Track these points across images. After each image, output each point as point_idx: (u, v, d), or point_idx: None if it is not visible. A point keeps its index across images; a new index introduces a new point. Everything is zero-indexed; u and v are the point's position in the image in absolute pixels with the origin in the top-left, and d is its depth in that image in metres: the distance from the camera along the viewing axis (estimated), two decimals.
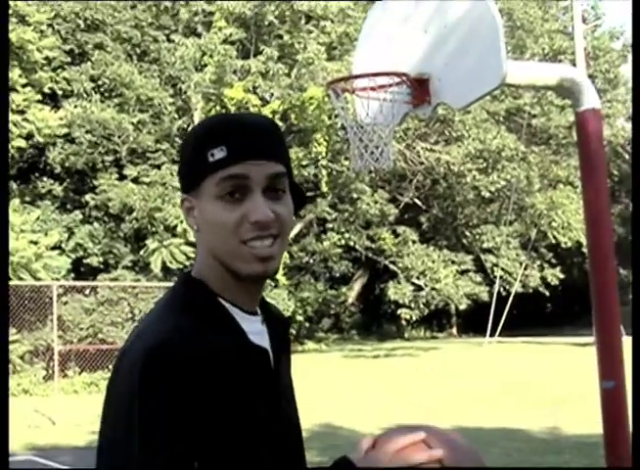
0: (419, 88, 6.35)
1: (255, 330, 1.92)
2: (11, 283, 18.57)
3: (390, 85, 6.36)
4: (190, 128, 2.38)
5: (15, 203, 24.52)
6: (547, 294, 35.55)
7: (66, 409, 17.27)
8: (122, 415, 1.76)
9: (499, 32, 6.10)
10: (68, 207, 28.17)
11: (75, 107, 27.13)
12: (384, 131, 6.58)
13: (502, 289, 33.83)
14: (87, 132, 27.11)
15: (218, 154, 1.84)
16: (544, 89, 8.37)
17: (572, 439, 12.11)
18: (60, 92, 27.81)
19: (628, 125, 42.00)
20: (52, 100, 27.57)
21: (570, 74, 6.71)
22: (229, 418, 1.75)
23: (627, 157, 44.06)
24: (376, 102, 6.48)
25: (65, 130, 26.83)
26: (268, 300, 2.12)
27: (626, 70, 40.21)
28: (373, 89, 6.39)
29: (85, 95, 27.66)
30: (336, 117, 25.95)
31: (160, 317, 1.84)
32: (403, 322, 35.51)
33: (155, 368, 1.71)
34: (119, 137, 27.55)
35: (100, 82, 28.08)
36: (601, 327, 6.79)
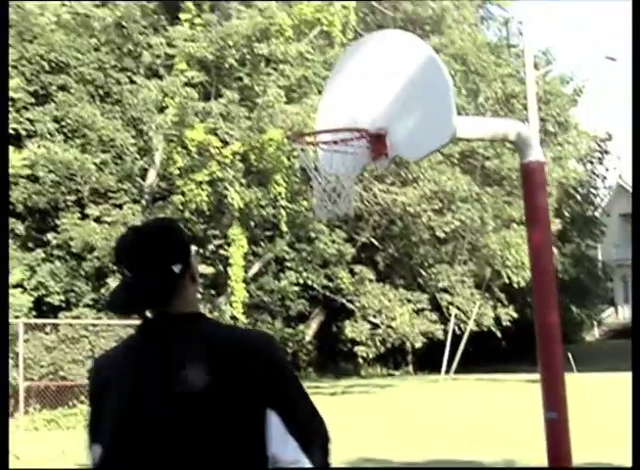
0: (377, 142, 6.93)
1: None
2: None
3: (351, 139, 6.94)
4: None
5: None
6: (500, 332, 36.15)
7: (28, 445, 17.49)
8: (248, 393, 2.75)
9: (450, 92, 6.70)
10: (31, 245, 28.34)
11: (39, 147, 27.44)
12: (345, 182, 7.14)
13: (457, 327, 34.42)
14: (50, 172, 27.37)
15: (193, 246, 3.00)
16: (492, 141, 9.00)
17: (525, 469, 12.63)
18: (23, 132, 28.11)
19: (579, 167, 43.04)
20: (16, 140, 27.86)
21: (516, 129, 7.32)
22: None
23: (579, 198, 45.03)
24: (338, 154, 7.04)
25: (28, 170, 27.11)
26: None
27: (576, 114, 41.26)
28: (335, 142, 6.97)
29: (49, 135, 27.98)
30: (294, 157, 26.51)
31: (229, 326, 3.09)
32: (360, 360, 35.95)
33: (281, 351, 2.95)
34: (82, 177, 27.85)
35: (63, 123, 28.39)
36: (544, 363, 7.36)
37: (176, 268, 2.82)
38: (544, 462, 7.31)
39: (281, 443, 2.76)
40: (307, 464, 2.76)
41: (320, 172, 7.32)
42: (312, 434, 2.85)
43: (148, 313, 2.87)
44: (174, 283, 2.82)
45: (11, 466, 15.57)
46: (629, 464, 12.58)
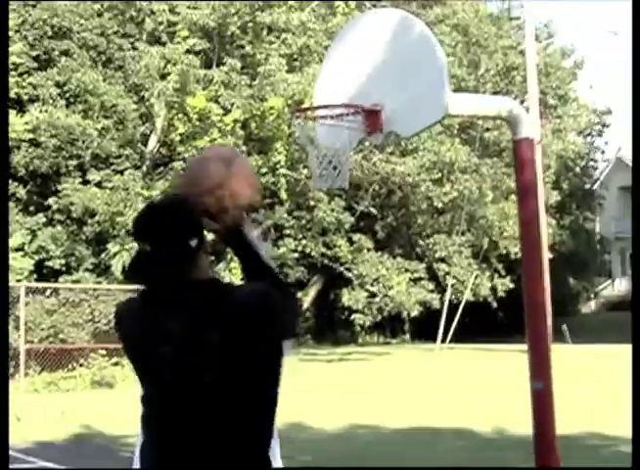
0: (372, 118, 7.14)
1: None
2: None
3: (347, 114, 7.15)
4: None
5: None
6: (497, 302, 36.41)
7: (28, 407, 17.77)
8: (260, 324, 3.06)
9: (443, 70, 6.90)
10: (32, 209, 28.55)
11: (41, 112, 27.59)
12: (341, 155, 7.36)
13: (453, 297, 34.66)
14: (52, 137, 27.54)
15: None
16: (485, 119, 9.21)
17: (513, 437, 12.91)
18: (26, 97, 28.24)
19: (579, 139, 43.10)
20: (18, 105, 28.00)
21: (508, 106, 7.52)
22: None
23: (578, 170, 45.15)
24: (334, 129, 7.25)
25: (30, 135, 27.29)
26: None
27: (577, 87, 41.34)
28: (332, 117, 7.18)
29: (51, 100, 28.11)
30: (294, 125, 26.64)
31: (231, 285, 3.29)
32: (357, 328, 36.25)
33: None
34: (84, 142, 28.03)
35: (65, 88, 28.53)
36: (531, 334, 7.61)
37: (192, 242, 3.19)
38: (530, 430, 7.57)
39: None
40: None
41: (317, 145, 7.54)
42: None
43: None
44: (192, 256, 3.18)
45: (13, 428, 15.90)
46: (619, 433, 12.92)
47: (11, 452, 13.26)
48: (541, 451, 7.54)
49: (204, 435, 3.02)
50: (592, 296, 55.80)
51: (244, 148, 29.44)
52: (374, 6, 32.90)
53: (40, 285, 24.91)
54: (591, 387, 20.01)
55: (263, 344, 3.08)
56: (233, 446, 3.03)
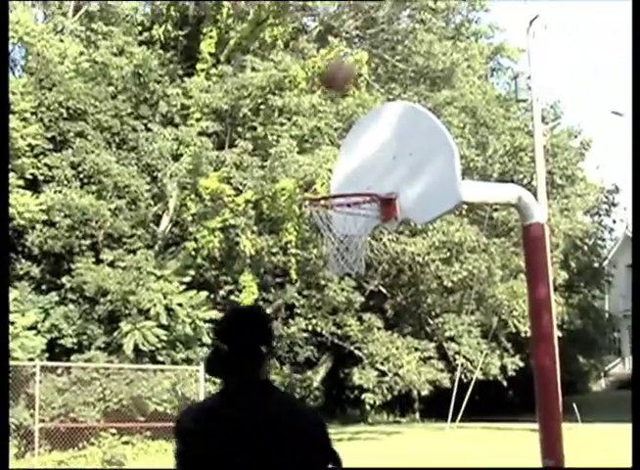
0: (387, 206, 7.43)
1: None
2: None
3: (363, 203, 7.43)
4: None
5: None
6: (507, 381, 36.35)
7: None
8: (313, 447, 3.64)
9: (455, 160, 7.20)
10: (45, 288, 28.71)
11: (55, 192, 27.92)
12: (357, 242, 7.62)
13: (463, 376, 34.62)
14: (66, 217, 27.82)
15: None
16: (496, 205, 9.48)
17: None
18: (41, 178, 28.61)
19: (586, 219, 43.40)
20: (33, 185, 28.36)
21: (517, 193, 7.82)
22: None
23: (586, 249, 45.33)
24: (350, 216, 7.53)
25: (44, 215, 27.60)
26: None
27: (584, 166, 41.70)
28: (348, 205, 7.46)
29: (65, 181, 28.47)
30: (305, 206, 26.97)
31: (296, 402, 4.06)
32: (367, 407, 36.20)
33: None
34: (97, 222, 28.30)
35: (80, 169, 28.89)
36: (542, 414, 7.79)
37: (264, 349, 3.71)
38: None
39: None
40: None
41: (333, 233, 7.80)
42: None
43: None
44: (261, 360, 3.71)
45: None
46: None
47: None
48: None
49: None
50: (602, 374, 55.60)
51: (255, 228, 29.76)
52: (382, 88, 33.54)
53: (54, 364, 25.01)
54: (601, 465, 19.96)
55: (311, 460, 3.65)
56: None
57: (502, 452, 23.66)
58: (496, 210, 34.72)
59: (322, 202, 7.78)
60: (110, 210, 28.53)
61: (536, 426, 7.65)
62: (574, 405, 31.30)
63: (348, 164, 7.88)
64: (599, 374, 55.11)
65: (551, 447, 7.69)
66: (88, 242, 28.85)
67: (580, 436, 26.56)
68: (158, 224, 31.10)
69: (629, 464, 18.58)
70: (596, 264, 49.40)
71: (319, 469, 3.69)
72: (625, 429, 28.34)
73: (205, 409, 3.78)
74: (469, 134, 33.07)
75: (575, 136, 41.20)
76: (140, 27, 33.30)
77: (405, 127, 7.48)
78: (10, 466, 21.89)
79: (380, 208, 7.40)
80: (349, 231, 7.57)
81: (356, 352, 34.25)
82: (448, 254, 32.99)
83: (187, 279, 29.56)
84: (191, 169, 28.96)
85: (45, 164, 28.67)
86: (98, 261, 28.45)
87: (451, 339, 35.60)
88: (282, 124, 30.28)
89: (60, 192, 27.96)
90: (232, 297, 31.19)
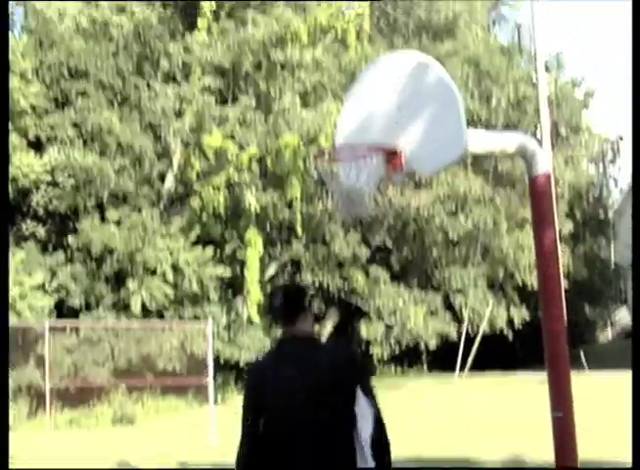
0: (392, 158, 7.38)
1: None
2: None
3: (368, 155, 7.38)
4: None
5: None
6: (513, 333, 36.41)
7: (51, 444, 17.95)
8: (346, 384, 4.76)
9: (460, 110, 7.14)
10: (51, 248, 28.79)
11: (59, 152, 27.88)
12: (363, 191, 7.59)
13: (470, 328, 34.72)
14: (70, 177, 27.82)
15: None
16: (502, 155, 9.43)
17: (532, 465, 13.02)
18: (44, 138, 28.55)
19: (591, 168, 43.21)
20: (36, 146, 28.31)
21: (523, 143, 7.75)
22: None
23: (591, 199, 45.18)
24: (355, 169, 7.49)
25: (48, 175, 27.58)
26: None
27: (588, 116, 41.47)
28: (353, 158, 7.42)
29: (68, 141, 28.41)
30: (312, 161, 26.87)
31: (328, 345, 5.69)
32: (374, 360, 36.25)
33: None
34: (101, 181, 28.29)
35: (82, 128, 28.84)
36: (550, 364, 7.78)
37: (308, 311, 5.06)
38: (552, 459, 7.72)
39: (364, 420, 4.77)
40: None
41: (339, 184, 7.77)
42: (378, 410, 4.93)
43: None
44: (300, 317, 4.98)
45: (34, 463, 16.08)
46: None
47: None
48: None
49: (317, 422, 4.73)
50: (608, 324, 55.66)
51: (259, 184, 29.71)
52: (385, 41, 33.32)
53: (62, 323, 25.09)
54: (608, 414, 20.08)
55: (347, 387, 4.77)
56: (329, 457, 4.70)
57: (510, 404, 23.77)
58: (501, 161, 34.59)
59: (327, 155, 7.73)
60: (114, 168, 28.49)
61: (544, 378, 7.66)
62: (582, 355, 31.40)
63: (352, 117, 7.82)
64: (606, 324, 55.16)
65: (560, 399, 7.68)
66: (93, 201, 28.86)
67: (588, 385, 26.65)
68: (162, 182, 31.07)
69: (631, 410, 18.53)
70: (601, 214, 49.22)
71: (350, 389, 4.76)
72: (629, 377, 28.34)
73: (269, 360, 5.01)
74: (472, 86, 32.88)
75: (579, 86, 40.91)
76: None
77: (409, 77, 7.41)
78: (22, 426, 22.07)
79: (385, 160, 7.36)
80: (355, 184, 7.53)
81: (363, 305, 34.29)
82: (453, 206, 32.94)
83: (193, 236, 29.60)
84: (194, 127, 28.88)
85: (48, 124, 28.60)
86: (103, 220, 28.48)
87: (458, 291, 35.61)
88: (284, 80, 30.14)
89: (63, 152, 27.90)
90: (237, 253, 31.19)
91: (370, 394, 4.86)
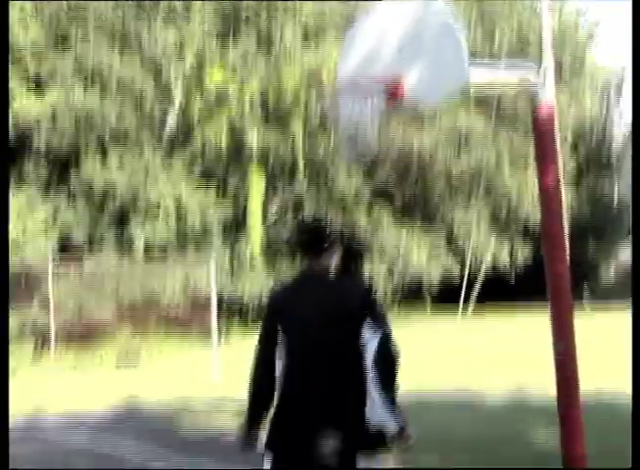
0: (394, 91, 7.29)
1: None
2: None
3: (370, 88, 7.29)
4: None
5: None
6: (516, 270, 36.48)
7: (56, 383, 18.04)
8: (357, 313, 5.06)
9: (462, 41, 7.04)
10: (53, 190, 28.69)
11: (58, 93, 27.65)
12: (367, 126, 7.51)
13: (473, 266, 34.76)
14: (71, 118, 27.62)
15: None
16: (504, 87, 9.33)
17: (536, 400, 13.07)
18: (43, 79, 28.30)
19: (595, 103, 42.89)
20: (36, 86, 28.08)
21: (526, 75, 7.66)
22: None
23: (595, 135, 44.94)
24: (356, 102, 7.40)
25: (48, 116, 27.39)
26: None
27: (592, 48, 41.13)
28: (354, 91, 7.33)
29: (69, 82, 28.17)
30: (314, 99, 26.72)
31: (344, 280, 5.38)
32: (379, 297, 36.35)
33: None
34: (102, 122, 28.10)
35: (82, 69, 28.58)
36: (553, 304, 7.75)
37: (325, 245, 5.24)
38: (554, 392, 7.74)
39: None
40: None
41: (342, 119, 7.69)
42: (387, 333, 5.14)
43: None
44: (322, 253, 5.22)
45: (39, 401, 16.18)
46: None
47: (38, 424, 13.58)
48: (565, 414, 7.70)
49: (331, 347, 5.02)
50: (612, 261, 55.66)
51: (261, 122, 29.54)
52: None
53: (65, 264, 25.05)
54: (611, 348, 20.18)
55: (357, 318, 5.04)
56: (344, 352, 4.99)
57: (514, 339, 23.88)
58: (504, 98, 34.38)
59: (329, 89, 7.65)
60: (115, 109, 28.28)
61: (546, 314, 7.64)
62: (585, 291, 31.49)
63: (354, 52, 7.71)
64: (609, 261, 55.14)
65: (563, 333, 7.66)
66: (94, 142, 28.70)
67: (591, 321, 26.77)
68: (164, 121, 30.87)
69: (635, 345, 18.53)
70: (605, 152, 48.96)
71: (359, 320, 5.03)
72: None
73: (290, 289, 5.31)
74: (475, 16, 32.55)
75: (583, 17, 40.47)
76: None
77: (412, 8, 7.31)
78: (28, 366, 22.16)
79: (387, 93, 7.27)
80: (357, 118, 7.45)
81: (366, 243, 34.25)
82: (456, 144, 32.80)
83: (195, 175, 29.52)
84: (195, 65, 28.64)
85: (47, 65, 28.35)
86: (105, 161, 28.36)
87: (461, 229, 35.61)
88: (286, 17, 29.82)
89: (63, 93, 27.67)
90: (241, 191, 31.13)
91: (380, 320, 5.12)
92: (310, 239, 5.29)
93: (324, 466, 4.88)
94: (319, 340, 5.04)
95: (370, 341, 4.98)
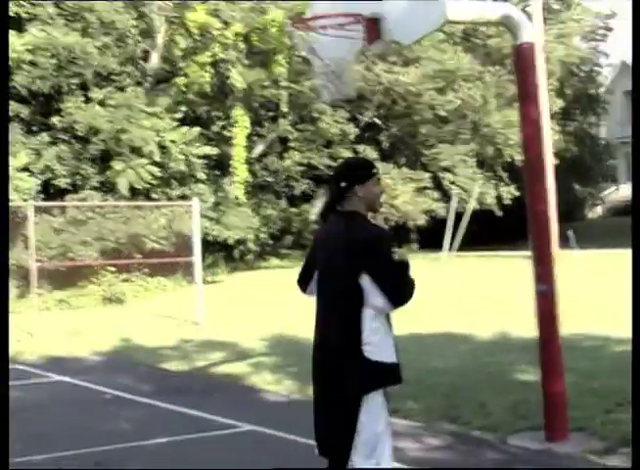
0: (372, 27, 7.17)
1: None
2: None
3: (348, 24, 7.17)
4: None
5: None
6: (502, 210, 36.50)
7: (41, 325, 18.02)
8: (363, 256, 4.96)
9: None
10: (36, 129, 28.45)
11: (40, 31, 27.30)
12: (344, 64, 7.40)
13: (459, 206, 34.71)
14: (52, 56, 27.27)
15: (375, 170, 5.27)
16: (485, 25, 9.20)
17: (518, 340, 13.10)
18: (24, 16, 27.93)
19: (582, 45, 42.69)
20: (16, 24, 27.71)
21: (507, 11, 7.54)
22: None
23: (582, 75, 44.80)
24: (334, 39, 7.28)
25: (30, 55, 27.04)
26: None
27: None
28: (332, 27, 7.20)
29: (49, 20, 27.81)
30: (292, 33, 26.40)
31: (362, 224, 5.12)
32: None
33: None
34: (84, 61, 27.77)
35: (63, 7, 28.22)
36: (534, 239, 7.73)
37: (342, 184, 5.12)
38: (535, 333, 7.72)
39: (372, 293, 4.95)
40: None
41: (319, 56, 7.57)
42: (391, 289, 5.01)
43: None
44: (341, 193, 5.13)
45: (25, 344, 16.17)
46: (620, 334, 13.08)
47: (25, 367, 13.57)
48: (545, 352, 7.71)
49: (324, 317, 5.20)
50: (598, 201, 55.79)
51: (246, 61, 29.29)
52: None
53: (48, 204, 24.90)
54: (595, 290, 20.23)
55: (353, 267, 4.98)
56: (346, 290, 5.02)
57: (498, 279, 23.92)
58: (490, 36, 34.17)
59: (306, 24, 7.50)
60: (96, 47, 27.96)
61: (530, 253, 7.61)
62: (570, 232, 31.50)
63: None
64: (594, 201, 55.28)
65: (544, 273, 7.66)
66: (76, 81, 28.42)
67: (575, 261, 26.84)
68: (146, 61, 30.58)
69: (620, 286, 18.74)
70: (592, 91, 48.86)
71: (354, 270, 4.98)
72: (619, 254, 28.69)
73: (324, 226, 5.37)
74: None
75: None
76: None
77: None
78: (11, 307, 22.14)
79: (365, 29, 7.15)
80: (335, 54, 7.34)
81: None
82: (442, 83, 32.60)
83: (179, 115, 29.33)
84: (177, 3, 28.30)
85: (28, 3, 27.96)
86: (87, 100, 28.11)
87: (446, 169, 35.54)
88: None
89: (44, 31, 27.31)
90: (225, 132, 30.96)
91: (377, 274, 4.99)
92: (336, 179, 5.19)
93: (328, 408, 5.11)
94: (326, 280, 5.19)
95: (369, 291, 4.97)
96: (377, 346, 4.99)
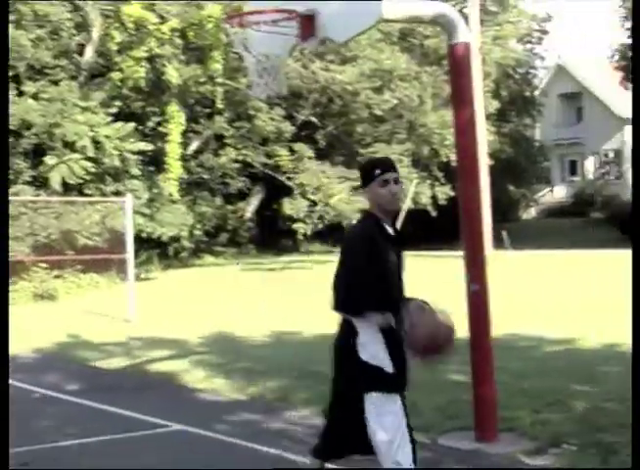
0: (306, 23, 7.11)
1: (390, 230, 5.29)
2: None
3: (281, 20, 7.10)
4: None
5: None
6: (437, 210, 36.65)
7: None
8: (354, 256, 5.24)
9: None
10: None
11: None
12: (276, 61, 7.33)
13: None
14: None
15: (379, 171, 5.18)
16: (420, 23, 9.20)
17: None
18: None
19: (518, 47, 43.09)
20: None
21: (442, 11, 7.52)
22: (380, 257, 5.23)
23: (518, 77, 45.18)
24: (268, 35, 7.21)
25: None
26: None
27: None
28: (265, 23, 7.13)
29: None
30: (233, 34, 26.26)
31: (361, 224, 5.41)
32: (299, 237, 36.28)
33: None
34: (17, 53, 27.37)
35: None
36: (466, 239, 7.73)
37: (371, 186, 5.22)
38: (467, 333, 7.72)
39: None
40: None
41: (253, 52, 7.49)
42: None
43: None
44: (368, 195, 5.27)
45: None
46: (553, 334, 13.16)
47: None
48: (476, 352, 7.71)
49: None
50: (532, 203, 56.31)
51: (182, 57, 29.09)
52: None
53: None
54: (528, 290, 20.39)
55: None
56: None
57: (431, 278, 23.99)
58: (427, 37, 34.32)
59: (240, 20, 7.42)
60: (30, 40, 27.58)
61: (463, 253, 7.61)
62: (504, 233, 31.78)
63: None
64: (528, 203, 55.79)
65: (476, 274, 7.67)
66: (9, 74, 27.98)
67: (509, 262, 27.06)
68: (81, 54, 30.23)
69: (553, 287, 18.88)
70: (528, 93, 49.25)
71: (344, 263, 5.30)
72: (553, 255, 28.89)
73: None
74: None
75: None
76: None
77: None
78: None
79: (299, 25, 7.08)
80: (268, 50, 7.27)
81: (287, 182, 34.10)
82: (379, 82, 32.65)
83: (113, 110, 29.04)
84: None
85: None
86: (20, 94, 27.71)
87: None
88: None
89: None
90: (160, 128, 30.72)
91: (335, 276, 5.34)
92: (360, 176, 5.34)
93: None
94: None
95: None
96: (364, 346, 5.15)
